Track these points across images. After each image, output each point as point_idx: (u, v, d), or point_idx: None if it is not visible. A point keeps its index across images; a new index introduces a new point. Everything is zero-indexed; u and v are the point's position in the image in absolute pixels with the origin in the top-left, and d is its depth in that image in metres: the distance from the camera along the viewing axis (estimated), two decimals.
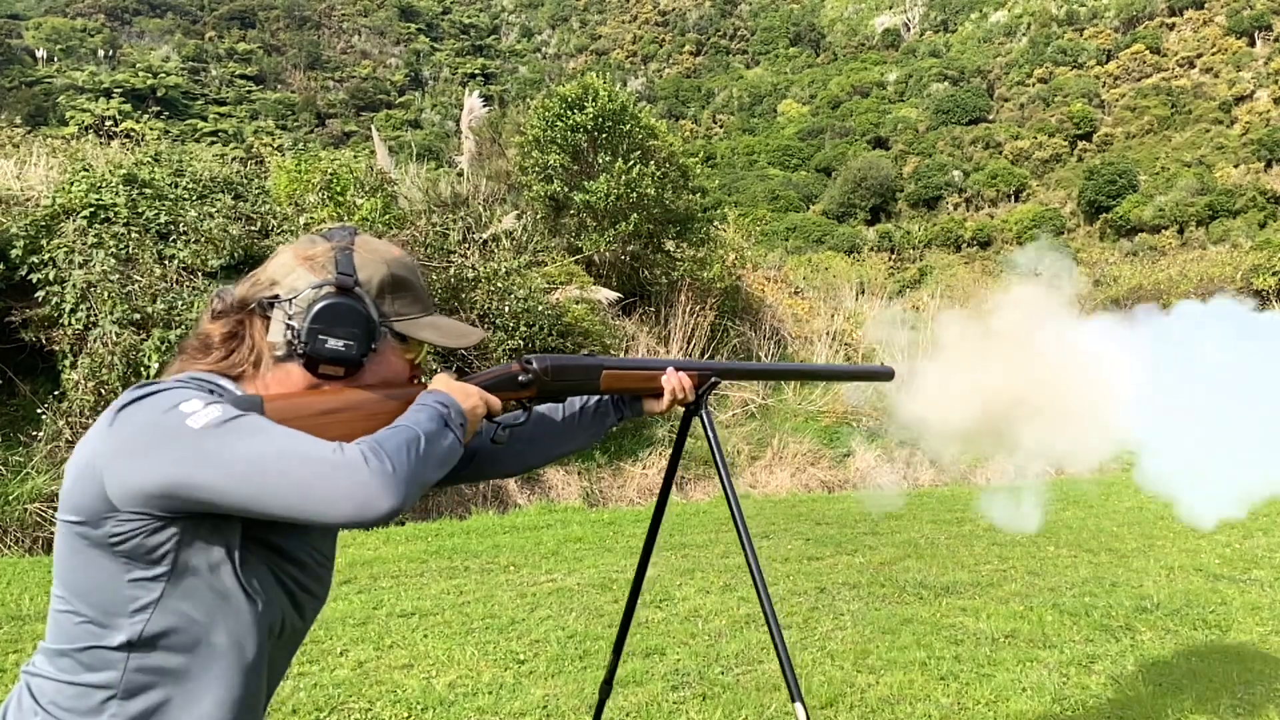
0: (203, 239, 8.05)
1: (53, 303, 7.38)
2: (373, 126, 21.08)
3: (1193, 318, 2.80)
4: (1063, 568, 6.43)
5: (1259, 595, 5.72)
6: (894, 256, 37.20)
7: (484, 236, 10.65)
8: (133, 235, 7.82)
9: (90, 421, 6.77)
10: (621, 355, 10.53)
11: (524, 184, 12.47)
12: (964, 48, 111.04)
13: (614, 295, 11.37)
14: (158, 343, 7.21)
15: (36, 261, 7.48)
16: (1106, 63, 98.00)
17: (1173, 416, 2.49)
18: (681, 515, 8.49)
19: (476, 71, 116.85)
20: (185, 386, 1.19)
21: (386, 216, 9.60)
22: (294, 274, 1.29)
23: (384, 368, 1.34)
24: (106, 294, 7.36)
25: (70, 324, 7.34)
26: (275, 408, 1.20)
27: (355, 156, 11.68)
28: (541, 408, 1.68)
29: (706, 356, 12.03)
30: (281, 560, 1.26)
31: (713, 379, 1.83)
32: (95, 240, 7.65)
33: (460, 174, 13.67)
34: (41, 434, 7.15)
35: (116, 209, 7.92)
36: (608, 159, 11.50)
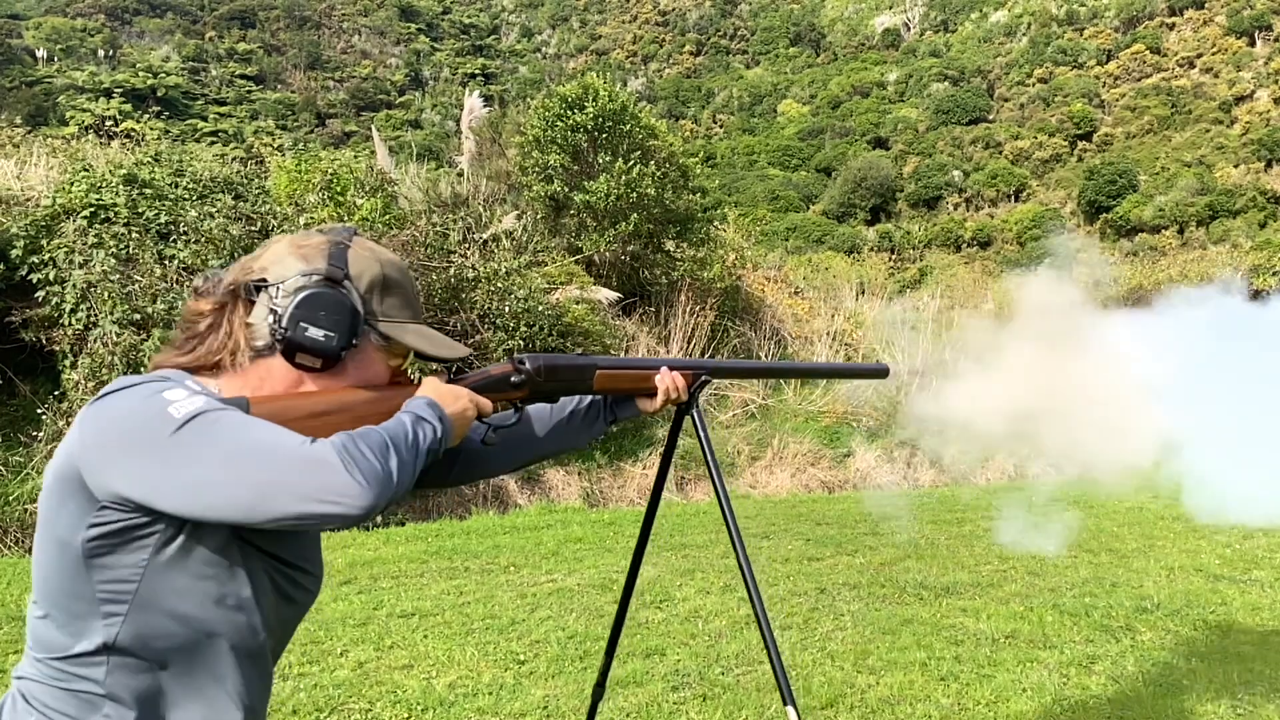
0: (203, 239, 8.05)
1: (53, 303, 7.39)
2: (373, 126, 21.09)
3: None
4: (1063, 568, 6.43)
5: (1259, 595, 5.72)
6: (894, 257, 37.20)
7: (484, 236, 10.65)
8: (133, 235, 7.82)
9: None
10: (622, 355, 10.53)
11: (524, 184, 12.48)
12: (964, 48, 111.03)
13: (614, 295, 11.37)
14: (158, 343, 7.20)
15: (37, 261, 7.49)
16: (1106, 63, 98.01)
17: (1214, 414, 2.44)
18: (682, 515, 8.49)
19: (476, 71, 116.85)
20: (164, 380, 1.18)
21: (386, 216, 9.60)
22: (285, 262, 1.28)
23: (366, 368, 1.33)
24: (107, 294, 7.36)
25: (70, 324, 7.35)
26: (262, 410, 1.19)
27: (355, 156, 11.68)
28: (533, 406, 1.66)
29: (707, 356, 12.03)
30: (268, 557, 1.25)
31: (703, 378, 1.82)
32: (95, 240, 7.65)
33: (460, 174, 13.68)
34: (41, 434, 7.15)
35: (116, 209, 7.92)
36: (608, 159, 11.50)
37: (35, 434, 7.19)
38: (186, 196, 8.48)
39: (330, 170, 9.80)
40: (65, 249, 7.54)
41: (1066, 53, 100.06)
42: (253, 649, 1.25)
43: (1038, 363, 2.49)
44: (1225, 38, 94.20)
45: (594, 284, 11.35)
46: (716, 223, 13.65)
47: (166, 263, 7.89)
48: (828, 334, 14.20)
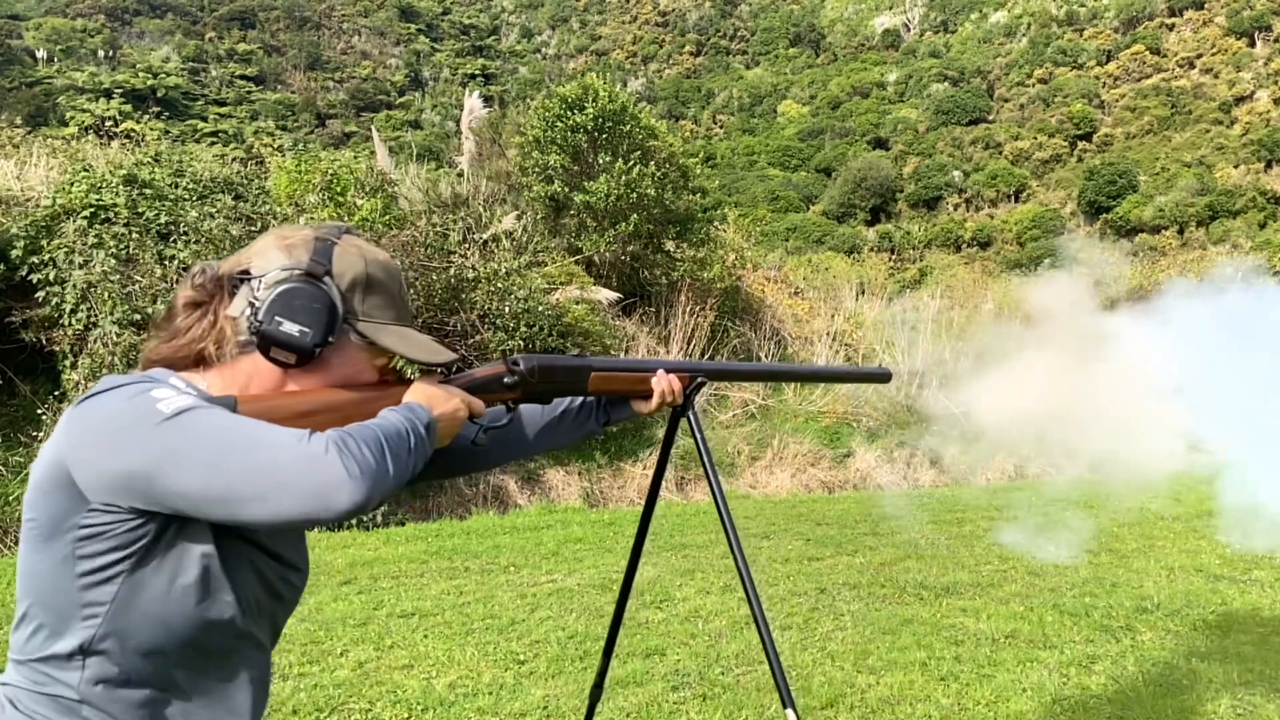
0: (203, 239, 8.06)
1: (53, 303, 7.39)
2: (373, 127, 21.11)
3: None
4: (1063, 568, 6.43)
5: (1259, 595, 5.72)
6: (894, 257, 37.15)
7: (484, 237, 10.65)
8: (133, 235, 7.82)
9: None
10: (622, 355, 10.54)
11: (524, 184, 12.48)
12: (964, 48, 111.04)
13: (614, 295, 11.38)
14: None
15: (37, 262, 7.49)
16: (1106, 63, 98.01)
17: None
18: (682, 515, 8.49)
19: (476, 72, 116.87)
20: (151, 380, 1.16)
21: (386, 217, 9.60)
22: (268, 255, 1.28)
23: (347, 367, 1.31)
24: (107, 294, 7.36)
25: (70, 324, 7.35)
26: (249, 409, 1.18)
27: (355, 157, 11.68)
28: (525, 406, 1.65)
29: (706, 357, 12.03)
30: (258, 552, 1.23)
31: (699, 380, 1.81)
32: (95, 240, 7.65)
33: (460, 174, 13.68)
34: (41, 434, 7.15)
35: (117, 209, 7.92)
36: (608, 159, 11.50)
37: (35, 434, 7.19)
38: (186, 197, 8.49)
39: (330, 171, 9.80)
40: (65, 249, 7.54)
41: (1066, 53, 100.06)
42: (240, 651, 1.24)
43: (1065, 369, 2.47)
44: (1225, 38, 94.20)
45: (594, 284, 11.35)
46: (716, 223, 13.65)
47: (166, 263, 7.89)
48: (828, 334, 14.21)
